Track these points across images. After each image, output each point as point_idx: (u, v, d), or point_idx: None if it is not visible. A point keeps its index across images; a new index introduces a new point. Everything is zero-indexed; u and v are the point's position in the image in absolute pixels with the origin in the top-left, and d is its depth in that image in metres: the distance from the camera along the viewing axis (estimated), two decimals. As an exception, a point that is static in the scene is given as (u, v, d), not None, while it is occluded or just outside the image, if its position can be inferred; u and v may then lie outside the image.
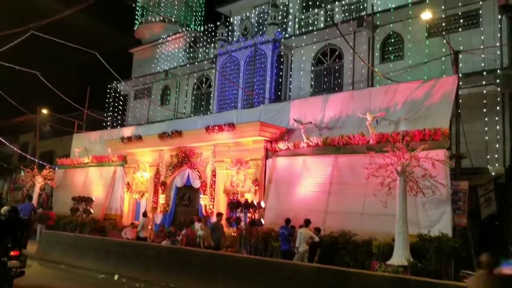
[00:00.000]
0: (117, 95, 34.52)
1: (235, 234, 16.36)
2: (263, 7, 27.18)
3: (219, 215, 16.44)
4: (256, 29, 26.76)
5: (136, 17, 36.91)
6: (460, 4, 18.67)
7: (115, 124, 33.43)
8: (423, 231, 12.25)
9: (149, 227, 19.66)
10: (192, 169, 20.47)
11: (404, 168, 11.76)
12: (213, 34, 30.06)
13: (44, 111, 33.53)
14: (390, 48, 21.14)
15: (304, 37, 23.73)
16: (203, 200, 19.50)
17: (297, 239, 13.58)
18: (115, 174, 24.10)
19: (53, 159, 34.62)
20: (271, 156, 17.58)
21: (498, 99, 16.97)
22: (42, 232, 19.28)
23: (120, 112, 34.68)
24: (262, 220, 15.86)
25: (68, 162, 27.34)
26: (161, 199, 21.40)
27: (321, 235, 13.79)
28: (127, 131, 24.86)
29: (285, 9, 26.10)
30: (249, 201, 16.51)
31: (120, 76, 26.00)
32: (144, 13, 36.04)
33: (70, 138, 30.08)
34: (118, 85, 33.48)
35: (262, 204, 16.27)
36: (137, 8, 36.12)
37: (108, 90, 34.15)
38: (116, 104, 34.27)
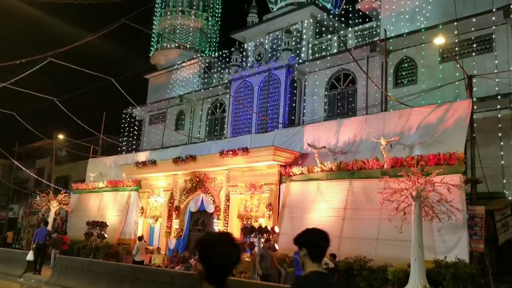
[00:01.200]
0: (132, 120, 34.93)
1: (249, 260, 16.25)
2: (276, 33, 27.45)
3: (267, 241, 15.35)
4: (270, 55, 27.02)
5: (152, 43, 37.55)
6: (473, 29, 18.70)
7: (130, 149, 33.68)
8: (439, 257, 12.09)
9: (163, 252, 19.64)
10: (206, 194, 20.47)
11: (419, 193, 11.66)
12: (227, 59, 30.46)
13: (61, 136, 33.93)
14: (404, 73, 21.19)
15: (318, 62, 23.92)
16: (217, 225, 19.43)
17: (312, 265, 13.39)
18: (129, 199, 24.12)
19: (68, 184, 34.86)
20: (285, 181, 17.52)
21: (513, 123, 16.86)
22: (56, 257, 19.34)
23: (135, 137, 35.03)
24: (276, 246, 15.76)
25: (83, 187, 27.47)
26: (175, 224, 21.36)
27: (336, 261, 13.65)
28: (142, 156, 24.98)
29: (298, 35, 26.36)
30: (263, 226, 16.42)
31: (135, 101, 26.29)
32: (160, 40, 36.64)
33: (85, 163, 30.27)
34: (134, 110, 33.86)
35: (276, 229, 16.19)
36: (153, 35, 36.75)
37: (124, 115, 34.65)
38: (131, 129, 34.68)
